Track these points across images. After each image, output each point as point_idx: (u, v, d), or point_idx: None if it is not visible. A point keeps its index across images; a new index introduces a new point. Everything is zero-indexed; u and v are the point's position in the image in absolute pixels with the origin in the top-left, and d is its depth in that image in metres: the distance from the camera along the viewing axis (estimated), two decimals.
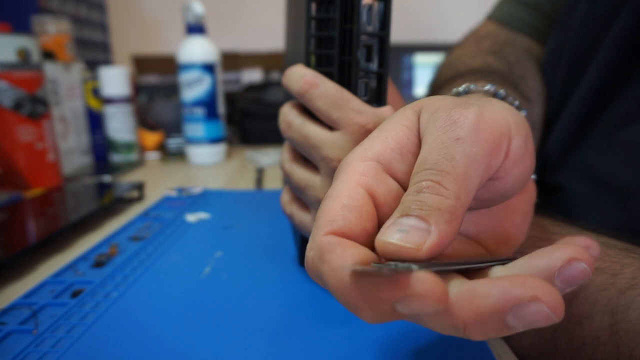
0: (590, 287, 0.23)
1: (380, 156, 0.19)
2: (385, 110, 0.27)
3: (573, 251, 0.15)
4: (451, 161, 0.17)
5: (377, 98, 0.28)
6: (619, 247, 0.24)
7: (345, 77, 0.27)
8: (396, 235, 0.16)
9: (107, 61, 1.20)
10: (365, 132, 0.26)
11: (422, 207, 0.16)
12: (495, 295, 0.14)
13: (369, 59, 0.27)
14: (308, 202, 0.28)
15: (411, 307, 0.14)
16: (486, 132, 0.18)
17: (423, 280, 0.14)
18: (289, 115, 0.28)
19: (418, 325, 0.26)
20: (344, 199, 0.17)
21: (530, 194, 0.22)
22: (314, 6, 0.27)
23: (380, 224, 0.18)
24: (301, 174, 0.28)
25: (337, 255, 0.16)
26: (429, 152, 0.18)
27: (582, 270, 0.15)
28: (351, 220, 0.17)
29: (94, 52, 1.13)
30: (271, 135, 0.92)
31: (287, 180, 0.30)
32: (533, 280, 0.14)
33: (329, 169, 0.26)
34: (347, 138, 0.26)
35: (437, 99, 0.20)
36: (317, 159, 0.27)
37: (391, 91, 0.29)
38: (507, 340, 0.26)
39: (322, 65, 0.28)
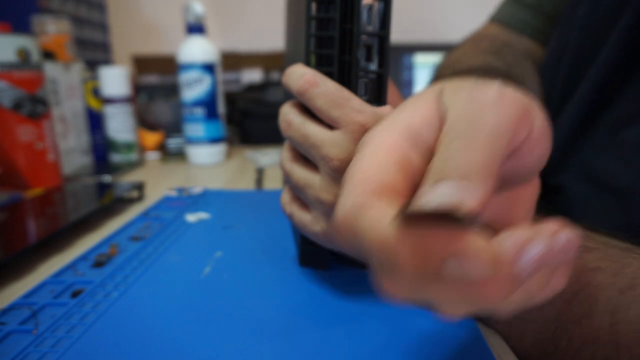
0: (590, 287, 0.23)
1: (409, 126, 0.18)
2: (385, 109, 0.27)
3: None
4: (478, 126, 0.17)
5: (377, 98, 0.28)
6: (619, 246, 0.24)
7: (345, 77, 0.27)
8: (437, 198, 0.15)
9: (107, 61, 1.20)
10: (365, 131, 0.25)
11: (455, 168, 0.15)
12: (507, 246, 0.14)
13: (369, 58, 0.27)
14: (308, 201, 0.28)
15: (464, 265, 0.13)
16: (509, 105, 0.18)
17: (480, 238, 0.13)
18: (289, 115, 0.28)
19: (418, 325, 0.26)
20: (375, 164, 0.17)
21: (535, 186, 0.22)
22: (314, 6, 0.27)
23: (409, 192, 0.17)
24: (301, 173, 0.28)
25: (377, 208, 0.15)
26: (454, 121, 0.18)
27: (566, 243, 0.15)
28: (387, 181, 0.16)
29: (94, 52, 1.13)
30: (271, 135, 0.92)
31: (287, 179, 0.30)
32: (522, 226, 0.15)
33: (328, 168, 0.26)
34: (347, 137, 0.26)
35: (457, 80, 0.20)
36: (316, 158, 0.27)
37: (391, 91, 0.29)
38: (507, 340, 0.26)
39: (322, 65, 0.28)
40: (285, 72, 0.29)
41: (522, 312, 0.24)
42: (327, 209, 0.27)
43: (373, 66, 0.27)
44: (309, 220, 0.29)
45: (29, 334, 0.26)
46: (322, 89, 0.26)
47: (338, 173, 0.26)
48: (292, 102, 0.29)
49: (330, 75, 0.27)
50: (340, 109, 0.26)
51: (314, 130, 0.27)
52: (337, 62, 0.27)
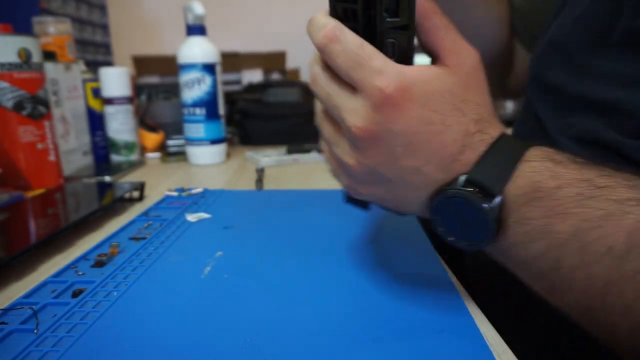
0: None
1: None
2: (409, 70, 0.25)
3: None
4: None
5: (403, 56, 0.26)
6: None
7: (369, 33, 0.25)
8: None
9: (108, 62, 1.20)
10: (384, 98, 0.24)
11: None
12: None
13: (395, 14, 0.25)
14: (336, 155, 0.28)
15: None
16: None
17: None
18: (314, 67, 0.27)
19: (417, 324, 0.26)
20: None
21: None
22: None
23: None
24: (329, 131, 0.28)
25: None
26: None
27: None
28: None
29: (95, 53, 1.14)
30: (271, 136, 0.92)
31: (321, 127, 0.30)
32: None
33: (349, 134, 0.25)
34: (367, 103, 0.24)
35: None
36: (338, 120, 0.26)
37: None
38: (548, 297, 0.25)
39: (347, 20, 0.26)
40: (309, 20, 0.27)
41: (566, 270, 0.23)
42: (350, 171, 0.27)
43: (399, 22, 0.25)
44: (335, 171, 0.30)
45: (29, 333, 0.26)
46: (343, 45, 0.25)
47: (357, 141, 0.25)
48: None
49: (354, 31, 0.25)
50: (361, 71, 0.24)
51: (336, 91, 0.26)
52: (361, 16, 0.25)
